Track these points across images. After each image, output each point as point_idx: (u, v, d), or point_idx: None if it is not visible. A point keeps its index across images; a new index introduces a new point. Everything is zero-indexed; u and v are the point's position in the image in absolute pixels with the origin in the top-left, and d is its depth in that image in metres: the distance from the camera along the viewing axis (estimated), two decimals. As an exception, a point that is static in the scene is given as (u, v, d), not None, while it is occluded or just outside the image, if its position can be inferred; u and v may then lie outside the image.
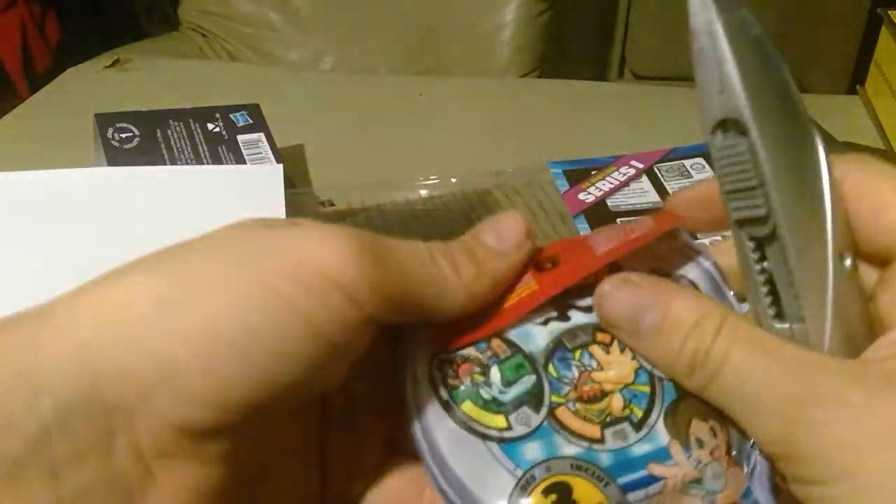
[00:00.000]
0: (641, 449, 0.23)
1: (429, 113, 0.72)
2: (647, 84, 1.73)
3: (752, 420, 0.20)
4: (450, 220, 0.54)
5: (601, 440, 0.23)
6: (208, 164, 0.56)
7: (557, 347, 0.24)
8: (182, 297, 0.18)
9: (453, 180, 0.57)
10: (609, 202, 0.54)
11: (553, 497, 0.22)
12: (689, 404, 0.23)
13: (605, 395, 0.23)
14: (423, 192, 0.56)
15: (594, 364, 0.23)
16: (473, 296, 0.23)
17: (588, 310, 0.24)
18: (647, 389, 0.23)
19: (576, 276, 0.24)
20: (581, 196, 0.55)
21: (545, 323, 0.24)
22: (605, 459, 0.22)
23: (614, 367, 0.23)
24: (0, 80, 1.23)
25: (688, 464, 0.23)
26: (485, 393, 0.23)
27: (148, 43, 1.35)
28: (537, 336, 0.24)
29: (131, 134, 0.57)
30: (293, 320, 0.18)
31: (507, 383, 0.23)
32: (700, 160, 0.59)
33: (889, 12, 0.62)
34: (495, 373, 0.23)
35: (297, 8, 1.30)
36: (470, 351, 0.23)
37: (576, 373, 0.23)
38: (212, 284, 0.18)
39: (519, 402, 0.23)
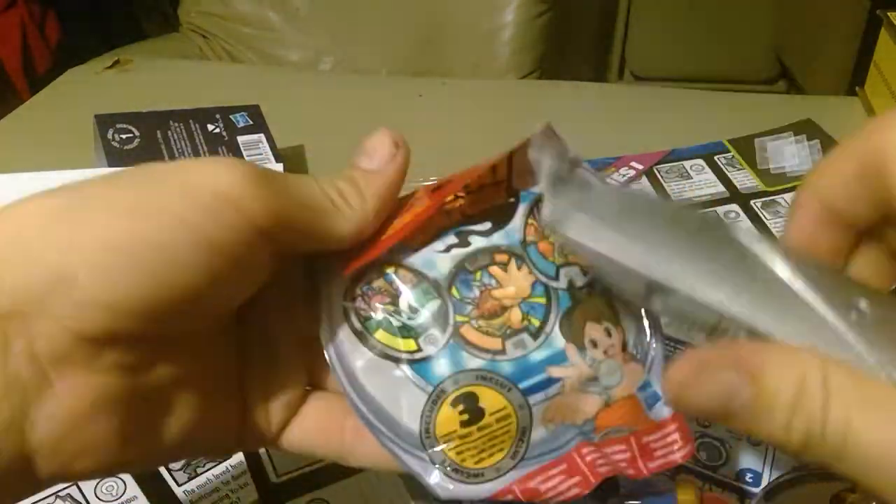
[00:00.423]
0: (540, 355, 0.25)
1: (429, 113, 0.72)
2: (647, 84, 1.74)
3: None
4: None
5: (503, 351, 0.24)
6: (208, 164, 0.56)
7: (459, 271, 0.25)
8: (75, 214, 0.19)
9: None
10: (609, 203, 0.54)
11: (461, 407, 0.24)
12: (584, 309, 0.25)
13: (504, 309, 0.25)
14: (423, 193, 0.56)
15: (493, 283, 0.25)
16: (365, 219, 0.24)
17: (486, 234, 0.26)
18: (543, 301, 0.25)
19: (462, 182, 0.25)
20: (581, 197, 0.55)
21: (447, 250, 0.25)
22: (507, 368, 0.24)
23: (512, 284, 0.25)
24: (0, 80, 1.23)
25: (583, 364, 0.25)
26: (395, 320, 0.25)
27: (148, 44, 1.35)
28: (440, 263, 0.25)
29: (131, 135, 0.57)
30: (185, 231, 0.19)
31: (415, 309, 0.25)
32: (700, 161, 0.59)
33: (889, 14, 0.62)
34: (404, 301, 0.25)
35: (297, 8, 1.30)
36: (379, 282, 0.25)
37: (477, 292, 0.25)
38: (105, 202, 0.20)
39: (427, 326, 0.24)
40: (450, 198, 0.26)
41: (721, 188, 0.56)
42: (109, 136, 0.56)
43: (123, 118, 0.58)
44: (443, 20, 1.27)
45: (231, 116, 0.61)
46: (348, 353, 0.24)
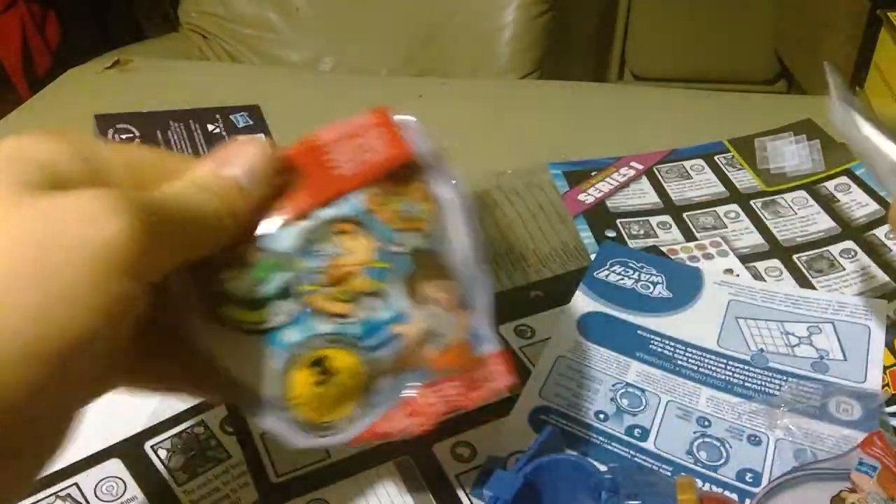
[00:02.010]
0: (384, 315, 0.27)
1: (429, 114, 0.72)
2: (646, 84, 1.74)
3: None
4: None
5: (351, 314, 0.27)
6: (208, 164, 0.56)
7: (305, 243, 0.27)
8: None
9: (453, 182, 0.57)
10: (609, 203, 0.54)
11: (316, 369, 0.26)
12: (422, 270, 0.28)
13: (350, 276, 0.27)
14: (423, 193, 0.56)
15: (338, 251, 0.27)
16: (237, 232, 0.26)
17: (326, 206, 0.27)
18: (385, 265, 0.27)
19: (321, 199, 0.27)
20: (581, 197, 0.55)
21: (293, 224, 0.27)
22: (355, 329, 0.27)
23: (355, 251, 0.27)
24: (0, 80, 1.23)
25: (422, 318, 0.28)
26: (245, 294, 0.26)
27: (148, 44, 1.35)
28: (286, 237, 0.27)
29: (131, 135, 0.57)
30: (66, 306, 0.19)
31: (264, 283, 0.26)
32: (700, 161, 0.59)
33: (888, 14, 0.62)
34: (251, 276, 0.26)
35: (297, 8, 1.30)
36: (230, 259, 0.26)
37: (323, 262, 0.27)
38: None
39: (276, 297, 0.26)
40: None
41: (721, 188, 0.56)
42: (109, 136, 0.56)
43: (123, 118, 0.58)
44: (443, 20, 1.27)
45: (231, 116, 0.61)
46: (206, 334, 0.26)
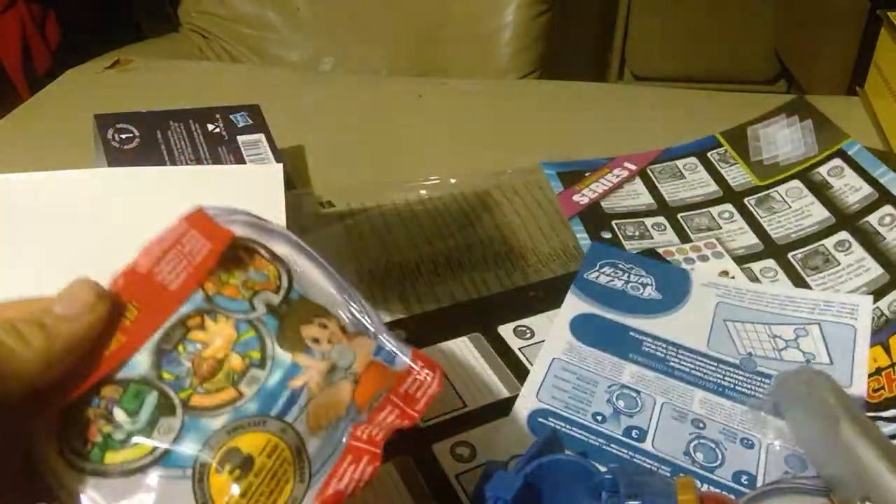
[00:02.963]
0: (275, 377, 0.26)
1: (429, 114, 0.72)
2: (646, 84, 1.73)
3: None
4: (450, 220, 0.54)
5: (240, 396, 0.25)
6: (208, 164, 0.56)
7: (161, 356, 0.25)
8: None
9: (453, 181, 0.57)
10: (603, 204, 0.54)
11: (229, 465, 0.24)
12: (292, 319, 0.27)
13: (221, 362, 0.25)
14: (423, 193, 0.56)
15: (199, 346, 0.26)
16: (49, 362, 0.23)
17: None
18: (252, 333, 0.26)
19: (161, 320, 0.26)
20: (575, 198, 0.55)
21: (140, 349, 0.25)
22: (252, 407, 0.25)
23: (215, 337, 0.26)
24: (0, 80, 1.23)
25: (316, 360, 0.27)
26: (119, 435, 0.24)
27: (148, 44, 1.35)
28: (139, 360, 0.25)
29: (131, 135, 0.57)
30: None
31: (134, 413, 0.24)
32: (693, 160, 0.59)
33: (889, 13, 0.62)
34: (119, 413, 0.24)
35: (297, 8, 1.30)
36: (88, 413, 0.24)
37: (188, 363, 0.25)
38: None
39: (153, 420, 0.24)
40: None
41: (714, 187, 0.56)
42: (109, 135, 0.56)
43: (123, 118, 0.58)
44: (443, 20, 1.27)
45: (231, 116, 0.61)
46: (97, 497, 0.23)
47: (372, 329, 0.29)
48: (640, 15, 1.72)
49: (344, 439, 0.26)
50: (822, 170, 0.55)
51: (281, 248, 0.29)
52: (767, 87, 1.69)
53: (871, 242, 0.48)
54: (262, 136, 0.59)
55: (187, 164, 0.55)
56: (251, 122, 0.60)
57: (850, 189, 0.52)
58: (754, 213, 0.53)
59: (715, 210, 0.54)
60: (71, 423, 0.24)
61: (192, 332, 0.26)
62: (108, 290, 0.25)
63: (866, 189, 0.52)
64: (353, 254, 0.51)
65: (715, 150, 0.59)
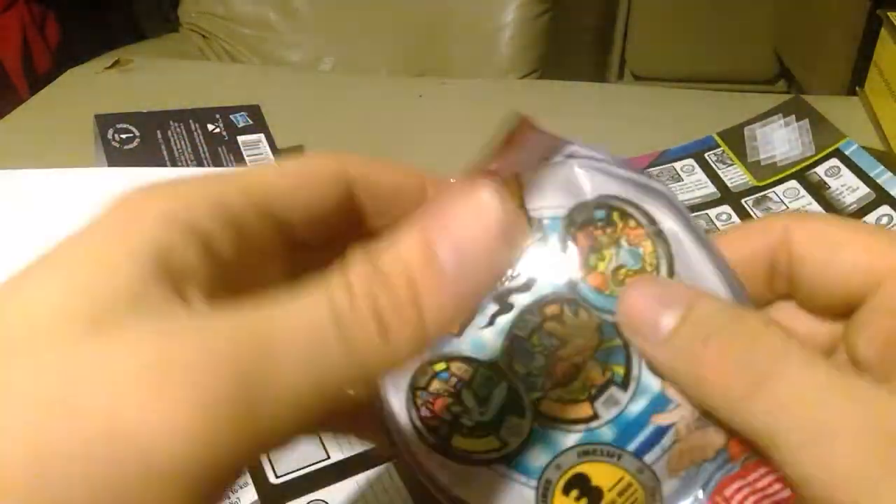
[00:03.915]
0: (638, 406, 0.21)
1: (429, 114, 0.72)
2: (646, 84, 1.73)
3: (813, 452, 0.16)
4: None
5: (595, 416, 0.21)
6: (208, 164, 0.56)
7: (514, 343, 0.21)
8: None
9: (453, 180, 0.57)
10: (605, 205, 0.54)
11: (575, 493, 0.21)
12: None
13: (578, 369, 0.21)
14: (423, 193, 0.56)
15: (555, 342, 0.21)
16: (412, 352, 0.15)
17: (525, 287, 0.21)
18: (618, 343, 0.21)
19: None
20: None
21: (491, 322, 0.21)
22: (607, 434, 0.21)
23: (576, 336, 0.21)
24: (0, 80, 1.23)
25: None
26: (467, 421, 0.22)
27: (148, 44, 1.35)
28: (489, 340, 0.21)
29: (131, 135, 0.57)
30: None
31: (483, 402, 0.22)
32: (690, 161, 0.59)
33: (889, 14, 0.62)
34: (468, 397, 0.22)
35: (297, 8, 1.30)
36: (435, 385, 0.22)
37: (542, 360, 0.21)
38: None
39: (502, 416, 0.21)
40: None
41: (712, 188, 0.56)
42: (109, 135, 0.56)
43: (123, 118, 0.58)
44: (443, 20, 1.27)
45: (231, 116, 0.61)
46: (436, 472, 0.21)
47: None
48: (641, 15, 1.72)
49: (710, 488, 0.21)
50: (820, 170, 0.55)
51: (664, 219, 0.22)
52: (767, 87, 1.69)
53: None
54: (262, 137, 0.59)
55: (187, 164, 0.56)
56: (251, 122, 0.60)
57: (848, 189, 0.52)
58: (752, 213, 0.53)
59: (713, 212, 0.54)
60: (420, 389, 0.22)
61: (548, 323, 0.21)
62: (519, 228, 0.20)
63: (863, 189, 0.52)
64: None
65: (712, 151, 0.60)
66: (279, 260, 0.18)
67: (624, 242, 0.21)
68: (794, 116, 0.60)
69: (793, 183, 0.54)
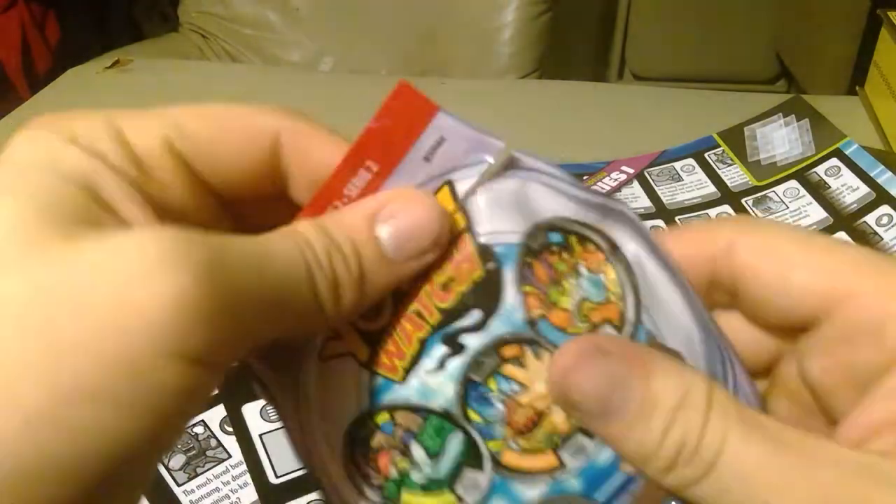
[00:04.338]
0: (606, 454, 0.19)
1: (429, 113, 0.72)
2: (647, 84, 1.73)
3: None
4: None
5: (561, 466, 0.19)
6: (208, 164, 0.56)
7: (468, 387, 0.19)
8: None
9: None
10: (603, 206, 0.54)
11: None
12: None
13: (542, 415, 0.19)
14: (423, 193, 0.56)
15: (515, 387, 0.19)
16: (342, 320, 0.18)
17: (478, 327, 0.19)
18: None
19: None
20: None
21: (441, 366, 0.19)
22: (575, 484, 0.19)
23: (535, 380, 0.19)
24: (0, 80, 1.23)
25: None
26: (417, 476, 0.19)
27: (148, 44, 1.35)
28: (439, 386, 0.19)
29: (131, 134, 0.57)
30: (111, 414, 0.14)
31: (435, 454, 0.19)
32: (690, 161, 0.59)
33: (889, 13, 0.62)
34: (417, 449, 0.19)
35: (297, 8, 1.30)
36: (377, 439, 0.20)
37: (501, 406, 0.19)
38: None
39: (457, 469, 0.19)
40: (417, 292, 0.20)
41: (712, 188, 0.56)
42: (109, 136, 0.56)
43: (123, 118, 0.58)
44: (443, 20, 1.27)
45: (231, 116, 0.61)
46: None
47: (731, 386, 0.20)
48: (641, 15, 1.72)
49: None
50: (820, 169, 0.55)
51: (626, 241, 0.20)
52: (768, 86, 1.69)
53: (868, 242, 0.48)
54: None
55: (187, 163, 0.56)
56: (251, 121, 0.60)
57: (848, 189, 0.52)
58: (752, 213, 0.53)
59: (713, 212, 0.54)
60: (359, 444, 0.20)
61: (506, 366, 0.19)
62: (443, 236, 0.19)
63: (864, 189, 0.52)
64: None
65: (712, 151, 0.59)
66: (205, 208, 0.19)
67: (584, 269, 0.20)
68: (794, 116, 0.60)
69: (793, 183, 0.54)
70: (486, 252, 0.19)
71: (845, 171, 0.54)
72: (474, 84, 0.87)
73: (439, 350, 0.19)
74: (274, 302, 0.16)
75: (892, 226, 0.49)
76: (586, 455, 0.19)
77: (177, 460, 0.37)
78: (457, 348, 0.19)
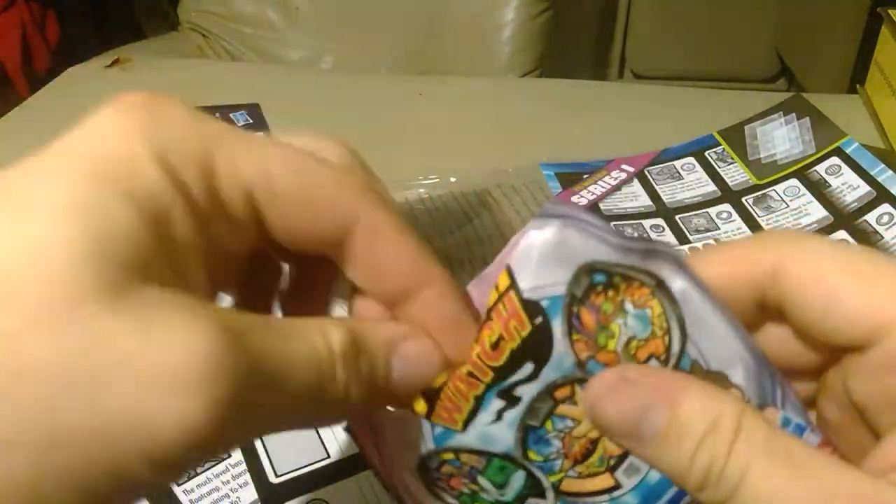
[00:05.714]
0: (656, 473, 0.21)
1: (429, 113, 0.72)
2: (647, 83, 1.73)
3: None
4: (449, 219, 0.54)
5: (618, 485, 0.21)
6: (208, 163, 0.56)
7: (526, 433, 0.21)
8: None
9: (453, 180, 0.57)
10: (602, 206, 0.54)
11: None
12: None
13: (595, 443, 0.21)
14: (423, 192, 0.56)
15: (570, 423, 0.21)
16: (348, 410, 0.20)
17: (531, 378, 0.20)
18: None
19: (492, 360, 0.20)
20: (574, 199, 0.55)
21: (499, 417, 0.20)
22: (632, 501, 0.21)
23: None
24: (0, 80, 1.23)
25: None
26: (488, 497, 0.21)
27: (148, 43, 1.35)
28: (500, 435, 0.21)
29: (131, 134, 0.57)
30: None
31: (501, 486, 0.21)
32: (691, 160, 0.59)
33: (889, 11, 0.62)
34: (484, 481, 0.21)
35: (297, 8, 1.30)
36: (448, 469, 0.21)
37: (558, 443, 0.21)
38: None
39: (523, 498, 0.21)
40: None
41: (713, 187, 0.56)
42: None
43: (123, 117, 0.58)
44: (443, 19, 1.27)
45: (231, 115, 0.61)
46: None
47: (778, 399, 0.21)
48: (641, 13, 1.71)
49: None
50: (820, 168, 0.55)
51: (672, 278, 0.20)
52: (768, 85, 1.69)
53: (869, 241, 0.48)
54: (261, 136, 0.59)
55: (187, 163, 0.56)
56: (251, 121, 0.61)
57: (848, 187, 0.52)
58: (752, 212, 0.53)
59: (713, 210, 0.54)
60: (432, 471, 0.21)
61: (560, 406, 0.21)
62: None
63: (864, 188, 0.52)
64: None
65: (713, 150, 0.59)
66: (248, 248, 0.20)
67: (629, 306, 0.20)
68: (794, 115, 0.60)
69: (793, 181, 0.54)
70: (532, 308, 0.20)
71: (846, 169, 0.54)
72: (474, 83, 0.87)
73: (495, 404, 0.20)
74: (287, 413, 0.17)
75: (893, 224, 0.49)
76: (639, 473, 0.21)
77: (177, 460, 0.37)
78: (512, 400, 0.20)
